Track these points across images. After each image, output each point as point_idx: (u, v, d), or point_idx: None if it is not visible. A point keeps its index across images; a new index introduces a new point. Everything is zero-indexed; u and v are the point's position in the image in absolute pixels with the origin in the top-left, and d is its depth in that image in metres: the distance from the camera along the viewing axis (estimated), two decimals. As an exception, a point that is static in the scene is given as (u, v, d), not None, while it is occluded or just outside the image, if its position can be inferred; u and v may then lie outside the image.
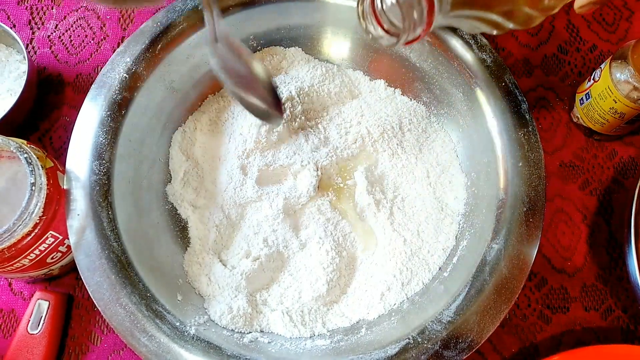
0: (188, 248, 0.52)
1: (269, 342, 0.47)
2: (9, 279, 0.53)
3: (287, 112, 0.53)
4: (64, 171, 0.48)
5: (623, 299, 0.54)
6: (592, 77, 0.55)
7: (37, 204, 0.43)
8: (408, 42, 0.37)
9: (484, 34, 0.53)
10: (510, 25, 0.40)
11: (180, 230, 0.52)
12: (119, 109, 0.50)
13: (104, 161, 0.48)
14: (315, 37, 0.58)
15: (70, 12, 0.63)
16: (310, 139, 0.54)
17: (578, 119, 0.58)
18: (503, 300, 0.45)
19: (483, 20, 0.40)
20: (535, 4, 0.37)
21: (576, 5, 0.42)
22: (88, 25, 0.62)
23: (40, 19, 0.63)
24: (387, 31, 0.38)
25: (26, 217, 0.43)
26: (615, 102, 0.52)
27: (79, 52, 0.61)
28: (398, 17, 0.36)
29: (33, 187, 0.43)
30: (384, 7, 0.37)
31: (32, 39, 0.62)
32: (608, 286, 0.54)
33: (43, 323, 0.49)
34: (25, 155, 0.44)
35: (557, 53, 0.62)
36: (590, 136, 0.59)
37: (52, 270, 0.50)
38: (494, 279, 0.46)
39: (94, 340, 0.51)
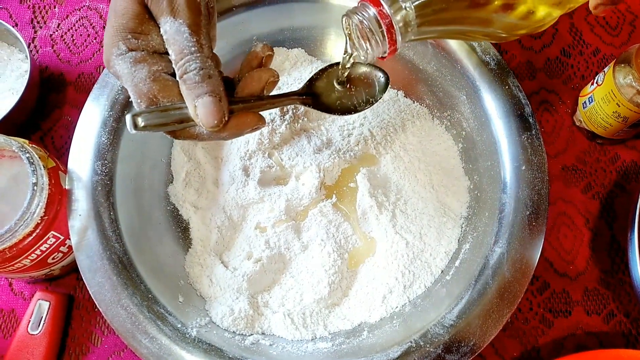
0: (189, 249, 0.51)
1: (270, 345, 0.47)
2: (10, 279, 0.53)
3: (290, 113, 0.53)
4: (65, 171, 0.48)
5: (625, 303, 0.54)
6: (595, 80, 0.55)
7: (38, 204, 0.43)
8: (381, 58, 0.39)
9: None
10: (502, 34, 0.39)
11: (182, 231, 0.52)
12: (121, 109, 0.50)
13: (106, 161, 0.48)
14: (318, 39, 0.58)
15: (73, 11, 0.63)
16: (313, 141, 0.54)
17: (581, 122, 0.58)
18: (505, 304, 0.45)
19: (461, 33, 0.40)
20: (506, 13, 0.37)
21: (591, 5, 0.41)
22: (90, 25, 0.62)
23: (43, 17, 0.62)
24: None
25: (28, 217, 0.43)
26: (619, 106, 0.51)
27: (81, 52, 0.61)
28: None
29: (35, 187, 0.43)
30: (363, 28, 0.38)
31: (34, 38, 0.61)
32: (610, 290, 0.54)
33: (43, 323, 0.49)
34: (27, 154, 0.44)
35: (560, 56, 0.62)
36: (593, 140, 0.59)
37: (53, 270, 0.49)
38: (496, 282, 0.45)
39: (94, 341, 0.51)
